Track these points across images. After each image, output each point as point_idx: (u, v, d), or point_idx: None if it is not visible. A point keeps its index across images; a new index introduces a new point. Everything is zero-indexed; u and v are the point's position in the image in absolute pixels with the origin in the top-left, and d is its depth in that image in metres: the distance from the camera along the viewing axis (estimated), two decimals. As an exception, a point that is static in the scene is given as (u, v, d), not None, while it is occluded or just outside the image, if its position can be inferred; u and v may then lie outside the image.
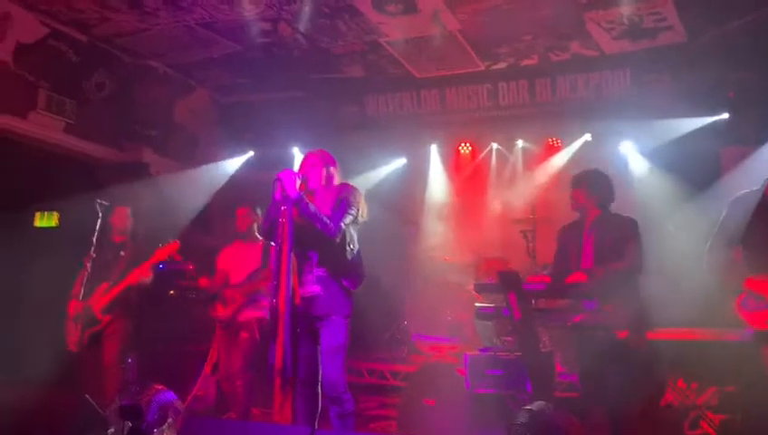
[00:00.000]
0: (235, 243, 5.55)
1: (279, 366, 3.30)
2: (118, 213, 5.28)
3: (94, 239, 5.06)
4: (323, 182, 3.92)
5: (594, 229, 4.16)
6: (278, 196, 3.51)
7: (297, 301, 3.54)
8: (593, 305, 3.80)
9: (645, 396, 3.98)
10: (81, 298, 5.02)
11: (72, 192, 6.01)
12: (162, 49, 6.78)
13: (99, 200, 5.14)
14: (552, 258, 4.47)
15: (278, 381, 3.32)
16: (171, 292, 6.59)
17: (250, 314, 5.23)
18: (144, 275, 5.04)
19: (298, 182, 3.56)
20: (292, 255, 3.50)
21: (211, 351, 5.83)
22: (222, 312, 5.30)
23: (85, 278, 5.03)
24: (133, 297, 5.14)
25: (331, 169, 3.99)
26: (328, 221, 3.65)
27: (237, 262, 5.43)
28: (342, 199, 3.80)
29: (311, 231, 3.61)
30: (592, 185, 4.24)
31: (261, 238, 5.32)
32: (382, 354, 6.57)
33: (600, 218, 4.18)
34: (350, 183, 4.02)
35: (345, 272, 3.79)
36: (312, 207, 3.60)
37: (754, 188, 3.85)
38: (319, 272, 3.73)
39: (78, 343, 5.00)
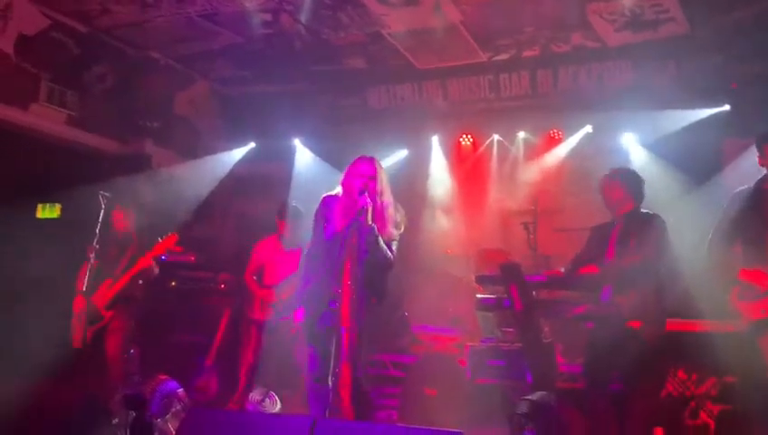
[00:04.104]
0: (274, 238, 5.61)
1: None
2: (115, 217, 5.27)
3: (97, 231, 5.07)
4: (378, 199, 3.68)
5: (621, 226, 4.14)
6: (337, 224, 3.51)
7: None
8: (606, 296, 3.81)
9: (648, 386, 3.99)
10: (85, 294, 5.02)
11: (73, 184, 6.02)
12: (164, 40, 6.77)
13: (102, 192, 5.14)
14: (575, 253, 4.42)
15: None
16: (173, 283, 6.62)
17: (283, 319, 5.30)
18: (147, 266, 5.03)
19: (370, 212, 3.47)
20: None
21: (214, 342, 5.87)
22: (260, 314, 5.35)
23: (88, 271, 5.03)
24: (137, 293, 5.14)
25: (384, 181, 3.76)
26: (390, 256, 3.61)
27: (274, 260, 5.47)
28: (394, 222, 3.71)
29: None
30: (629, 184, 4.20)
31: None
32: (383, 344, 6.59)
33: (629, 217, 4.14)
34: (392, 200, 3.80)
35: (375, 287, 3.72)
36: (381, 242, 3.55)
37: (751, 186, 3.89)
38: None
39: (81, 340, 5.01)
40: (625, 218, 4.15)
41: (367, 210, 3.46)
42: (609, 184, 4.24)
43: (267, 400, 5.16)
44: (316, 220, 3.79)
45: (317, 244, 3.75)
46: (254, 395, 5.21)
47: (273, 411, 5.09)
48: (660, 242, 3.99)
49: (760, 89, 6.08)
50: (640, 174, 4.33)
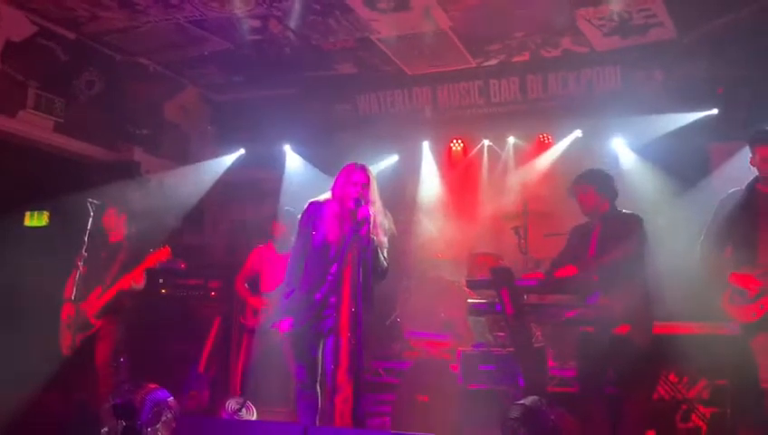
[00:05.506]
0: (269, 245, 5.59)
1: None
2: (107, 214, 5.23)
3: (85, 239, 5.02)
4: (371, 208, 3.62)
5: (601, 227, 4.14)
6: (329, 232, 3.50)
7: None
8: (594, 300, 3.81)
9: (640, 389, 4.00)
10: (73, 301, 4.97)
11: (62, 191, 5.97)
12: (152, 47, 6.75)
13: (90, 200, 5.10)
14: (556, 255, 4.43)
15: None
16: (163, 291, 6.58)
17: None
18: (136, 281, 4.98)
19: (371, 224, 3.46)
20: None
21: (204, 350, 5.83)
22: (252, 321, 5.31)
23: (77, 279, 4.98)
24: (126, 301, 5.10)
25: (375, 189, 3.72)
26: (386, 265, 3.64)
27: (270, 267, 5.43)
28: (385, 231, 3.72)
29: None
30: (600, 185, 4.16)
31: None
32: (375, 351, 6.57)
33: (607, 217, 4.14)
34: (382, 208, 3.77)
35: (367, 295, 3.63)
36: (380, 252, 3.58)
37: (743, 187, 3.91)
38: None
39: (70, 347, 4.96)
40: (603, 219, 4.14)
41: (368, 221, 3.42)
42: (581, 190, 4.19)
43: (244, 409, 5.11)
44: (302, 227, 3.72)
45: (303, 251, 3.67)
46: (231, 404, 5.16)
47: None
48: (640, 240, 4.00)
49: (746, 93, 6.13)
50: (608, 172, 4.28)
